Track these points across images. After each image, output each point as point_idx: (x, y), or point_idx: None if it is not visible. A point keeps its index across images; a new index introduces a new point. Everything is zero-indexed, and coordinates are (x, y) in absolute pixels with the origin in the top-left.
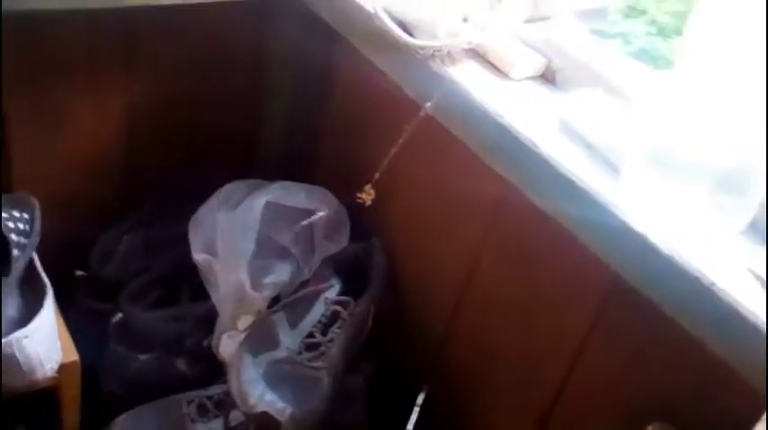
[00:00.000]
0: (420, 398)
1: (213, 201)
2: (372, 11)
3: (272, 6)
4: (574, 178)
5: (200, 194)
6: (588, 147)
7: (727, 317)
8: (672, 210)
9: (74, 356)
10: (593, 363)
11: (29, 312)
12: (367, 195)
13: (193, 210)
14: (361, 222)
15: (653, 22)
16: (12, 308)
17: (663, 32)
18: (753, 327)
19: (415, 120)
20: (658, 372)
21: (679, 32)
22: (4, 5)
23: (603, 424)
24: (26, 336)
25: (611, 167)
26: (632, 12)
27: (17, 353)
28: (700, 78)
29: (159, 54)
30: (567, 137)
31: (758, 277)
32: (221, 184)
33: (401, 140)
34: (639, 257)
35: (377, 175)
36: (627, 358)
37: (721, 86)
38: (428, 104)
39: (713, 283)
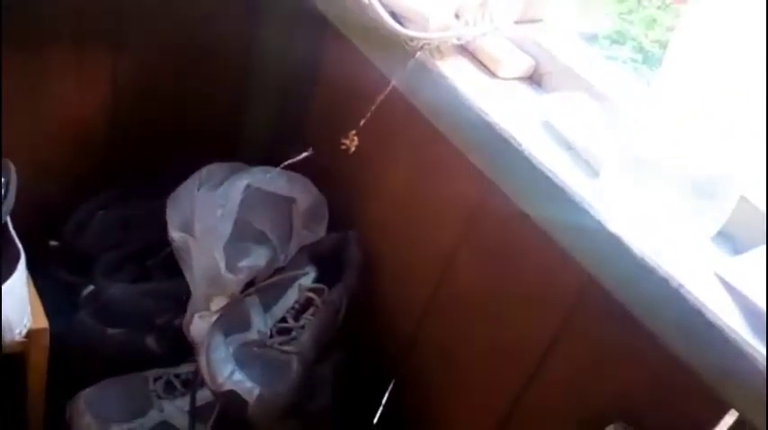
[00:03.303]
0: (387, 392)
1: (194, 180)
2: (366, 1)
3: None
4: (553, 177)
5: (181, 175)
6: (570, 148)
7: (692, 320)
8: (646, 213)
9: (43, 323)
10: (558, 364)
11: (0, 275)
12: (351, 141)
13: (172, 189)
14: (339, 215)
15: (640, 50)
16: None
17: (648, 61)
18: (718, 332)
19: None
20: (621, 374)
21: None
22: None
23: (563, 424)
24: None
25: (591, 169)
26: (620, 37)
27: None
28: (679, 84)
29: (147, 33)
30: (550, 137)
31: (725, 282)
32: (204, 165)
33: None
34: (612, 258)
35: (362, 122)
36: (592, 359)
37: (700, 92)
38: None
39: (681, 286)
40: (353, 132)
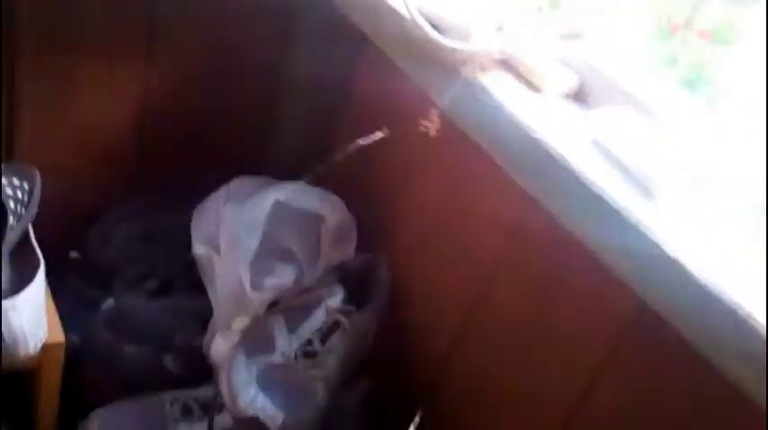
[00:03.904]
0: (414, 424)
1: (221, 194)
2: (406, 12)
3: (301, 7)
4: (605, 197)
5: (208, 188)
6: (620, 167)
7: (761, 353)
8: (709, 236)
9: (59, 337)
10: (605, 397)
11: (18, 284)
12: (431, 122)
13: (199, 202)
14: (368, 234)
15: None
16: (1, 277)
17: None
18: None
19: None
20: (678, 410)
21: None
22: None
23: None
24: (13, 307)
25: (645, 189)
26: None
27: (2, 324)
28: (743, 98)
29: (180, 39)
30: (599, 155)
31: None
32: (231, 179)
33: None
34: (671, 285)
35: (438, 106)
36: (643, 393)
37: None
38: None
39: (750, 316)
40: (437, 112)
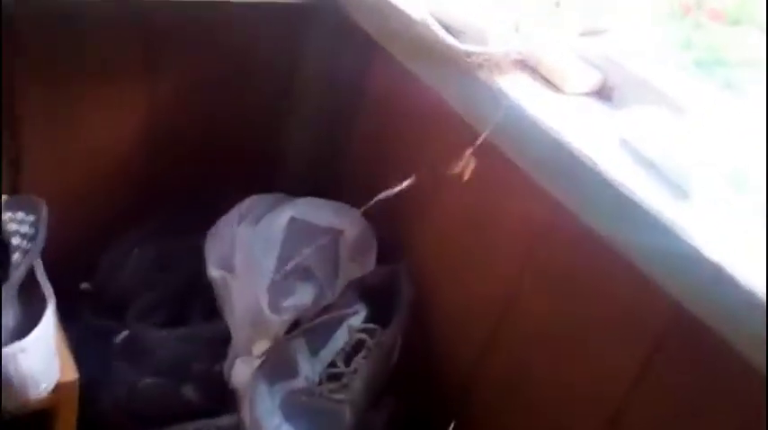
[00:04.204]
0: None
1: (234, 214)
2: (418, 16)
3: (307, 11)
4: (636, 199)
5: (220, 207)
6: (651, 166)
7: None
8: (750, 238)
9: (73, 375)
10: (643, 409)
11: (27, 324)
12: (465, 166)
13: (211, 223)
14: (388, 245)
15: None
16: (8, 317)
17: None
18: None
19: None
20: (716, 417)
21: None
22: None
23: None
24: (22, 350)
25: (677, 189)
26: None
27: (12, 370)
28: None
29: (183, 58)
30: (628, 155)
31: None
32: (242, 198)
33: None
34: (710, 289)
35: (479, 141)
36: (683, 404)
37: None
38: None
39: None
40: (469, 151)
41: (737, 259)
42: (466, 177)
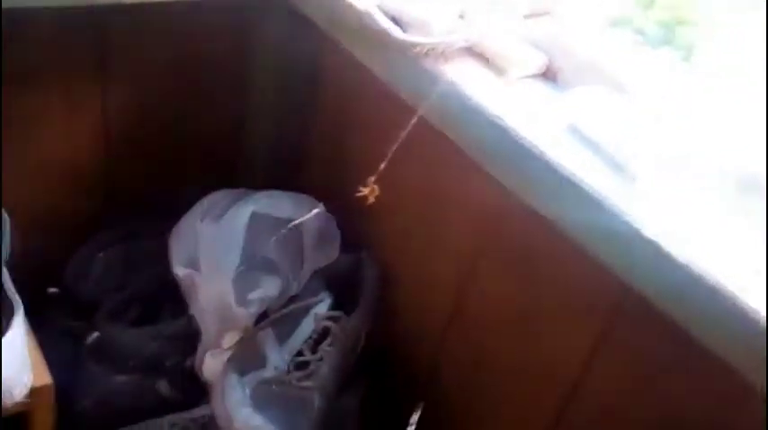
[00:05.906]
0: (415, 417)
1: (195, 212)
2: (363, 9)
3: (257, 6)
4: (581, 183)
5: (183, 206)
6: (596, 149)
7: (748, 330)
8: (689, 215)
9: (46, 379)
10: (599, 381)
11: None
12: (370, 192)
13: (175, 222)
14: (351, 233)
15: (640, 32)
16: None
17: (651, 42)
18: None
19: (410, 125)
20: (671, 391)
21: (667, 43)
22: None
23: None
24: None
25: (621, 171)
26: (620, 20)
27: None
28: (719, 73)
29: (135, 56)
30: (573, 139)
31: None
32: (205, 194)
33: (395, 146)
34: (653, 267)
35: (381, 167)
36: (636, 375)
37: (743, 81)
38: (422, 108)
39: (734, 295)
40: (371, 179)
41: (678, 237)
42: (370, 201)
